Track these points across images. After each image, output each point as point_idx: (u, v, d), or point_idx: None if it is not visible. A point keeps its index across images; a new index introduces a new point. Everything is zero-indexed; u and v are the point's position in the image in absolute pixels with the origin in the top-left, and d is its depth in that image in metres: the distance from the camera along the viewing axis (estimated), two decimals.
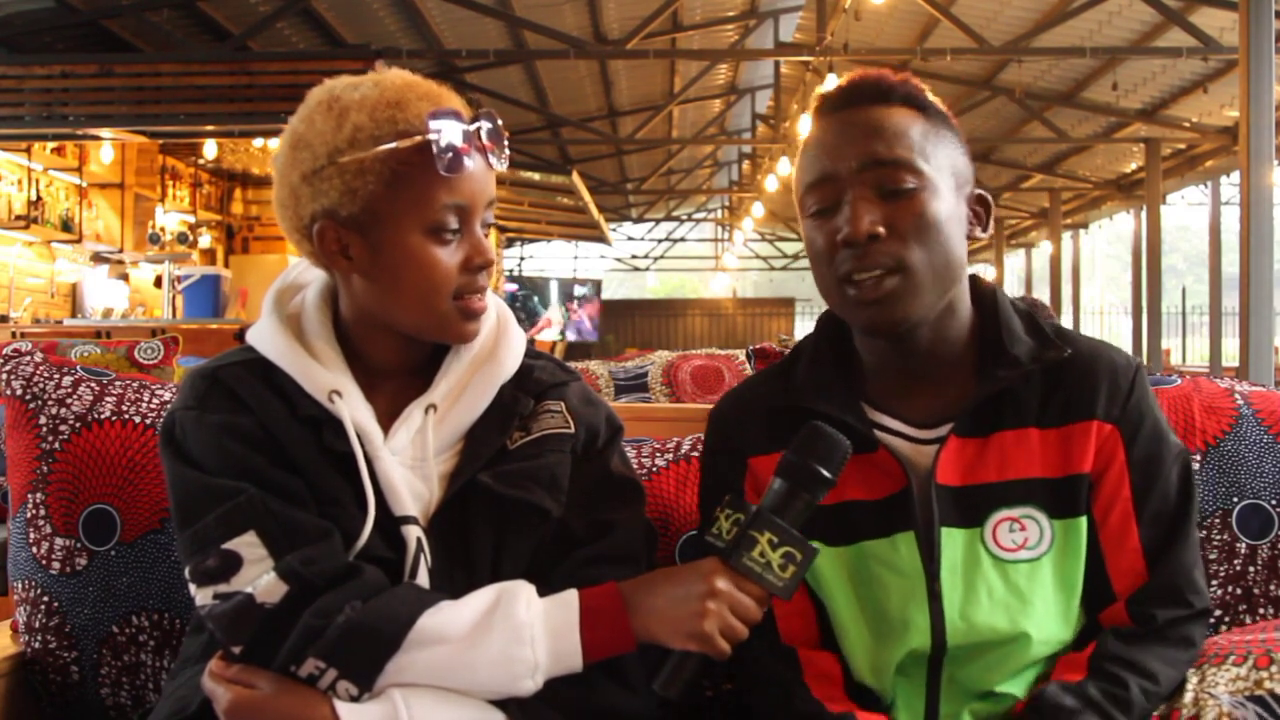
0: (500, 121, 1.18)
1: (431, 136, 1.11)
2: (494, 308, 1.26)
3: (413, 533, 1.14)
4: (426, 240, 1.13)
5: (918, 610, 1.17)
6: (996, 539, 1.18)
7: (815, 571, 1.20)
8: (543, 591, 1.11)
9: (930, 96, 1.22)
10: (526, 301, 17.94)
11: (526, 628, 1.07)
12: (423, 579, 1.13)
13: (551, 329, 17.67)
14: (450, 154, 1.11)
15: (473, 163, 1.14)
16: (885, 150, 1.16)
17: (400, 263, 1.14)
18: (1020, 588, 1.17)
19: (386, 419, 1.18)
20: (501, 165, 1.19)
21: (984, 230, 1.24)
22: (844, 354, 1.28)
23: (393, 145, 1.11)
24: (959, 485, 1.18)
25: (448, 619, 1.07)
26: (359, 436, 1.15)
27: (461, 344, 1.21)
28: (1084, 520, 1.19)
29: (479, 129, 1.15)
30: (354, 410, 1.16)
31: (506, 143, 1.20)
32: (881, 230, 1.15)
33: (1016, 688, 1.17)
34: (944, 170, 1.18)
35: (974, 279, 1.28)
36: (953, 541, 1.18)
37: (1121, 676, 1.12)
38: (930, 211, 1.16)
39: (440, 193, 1.13)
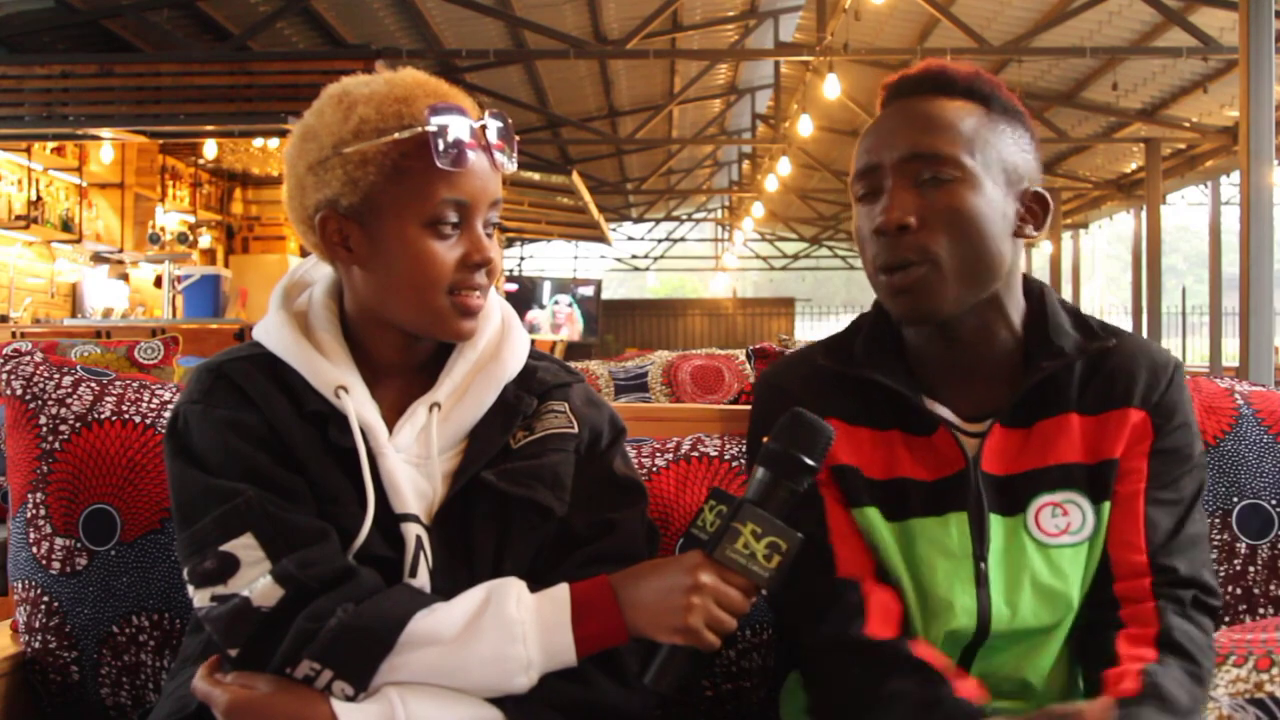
0: (510, 122, 1.19)
1: (431, 129, 1.12)
2: (498, 308, 1.27)
3: (412, 530, 1.14)
4: (424, 234, 1.14)
5: (964, 592, 1.18)
6: (1039, 524, 1.19)
7: (873, 539, 1.20)
8: (543, 590, 1.11)
9: (999, 92, 1.22)
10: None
11: (518, 625, 1.07)
12: (423, 577, 1.13)
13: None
14: (450, 148, 1.12)
15: (476, 160, 1.15)
16: (927, 143, 1.17)
17: (397, 254, 1.14)
18: (1065, 572, 1.18)
19: (391, 416, 1.19)
20: (510, 166, 1.19)
21: (1037, 229, 1.23)
22: (898, 339, 1.28)
23: (394, 136, 1.12)
24: (1003, 474, 1.20)
25: (440, 619, 1.07)
26: (364, 433, 1.15)
27: (458, 341, 1.21)
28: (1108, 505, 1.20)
29: (484, 127, 1.16)
30: (359, 406, 1.16)
31: (515, 145, 1.20)
32: (912, 221, 1.16)
33: (1039, 680, 1.18)
34: (992, 164, 1.18)
35: (1024, 278, 1.28)
36: (998, 528, 1.19)
37: (1190, 652, 1.11)
38: (965, 204, 1.16)
39: (440, 187, 1.13)
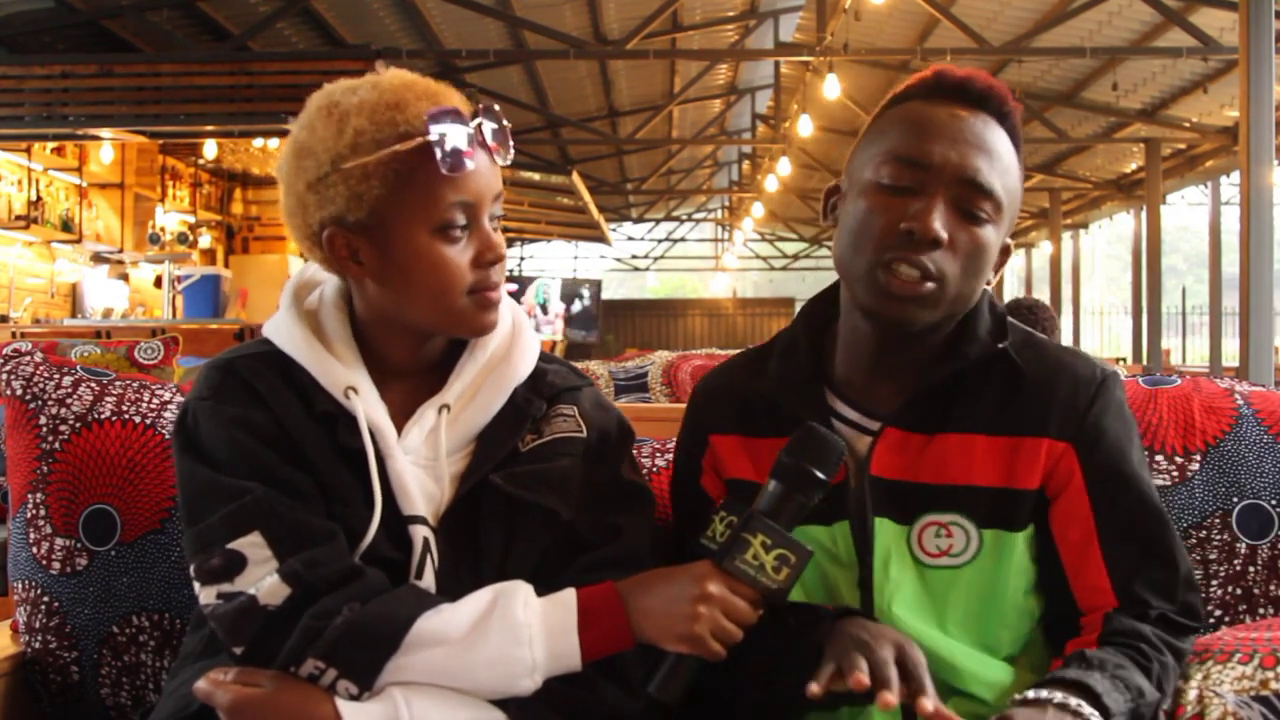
0: (500, 111, 1.18)
1: (432, 137, 1.11)
2: (509, 311, 1.26)
3: (420, 532, 1.14)
4: (435, 240, 1.13)
5: (850, 598, 1.18)
6: (921, 543, 1.18)
7: None
8: (549, 593, 1.11)
9: (1020, 124, 1.21)
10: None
11: (524, 628, 1.07)
12: (429, 579, 1.13)
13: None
14: (452, 153, 1.11)
15: (476, 159, 1.14)
16: (985, 176, 1.14)
17: (411, 264, 1.14)
18: (938, 594, 1.17)
19: (400, 418, 1.18)
20: (506, 159, 1.18)
21: (994, 275, 1.22)
22: (819, 341, 1.28)
23: (394, 148, 1.11)
24: (891, 479, 1.19)
25: (446, 620, 1.07)
26: (372, 434, 1.15)
27: (483, 335, 1.21)
28: (1020, 536, 1.17)
29: (480, 125, 1.15)
30: (369, 408, 1.16)
31: (510, 136, 1.19)
32: (946, 238, 1.13)
33: (983, 690, 1.16)
34: (1010, 210, 1.18)
35: None
36: (884, 533, 1.18)
37: (1137, 645, 1.11)
38: (986, 244, 1.16)
39: (445, 191, 1.13)
